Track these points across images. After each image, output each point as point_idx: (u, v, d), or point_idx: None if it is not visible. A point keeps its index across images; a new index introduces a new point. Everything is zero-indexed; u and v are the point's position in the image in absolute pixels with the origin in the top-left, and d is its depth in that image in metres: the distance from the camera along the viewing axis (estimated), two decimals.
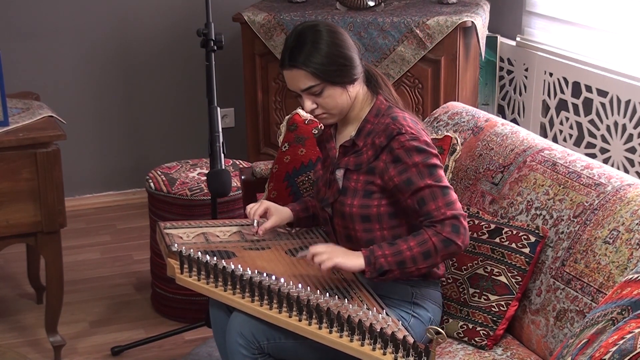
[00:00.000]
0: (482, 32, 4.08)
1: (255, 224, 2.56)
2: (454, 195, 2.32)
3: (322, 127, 2.60)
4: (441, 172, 2.34)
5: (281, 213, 2.59)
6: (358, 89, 2.41)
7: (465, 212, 2.58)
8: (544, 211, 2.47)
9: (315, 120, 2.45)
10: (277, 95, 4.16)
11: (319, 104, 2.38)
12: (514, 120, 4.32)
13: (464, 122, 2.89)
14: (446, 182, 2.33)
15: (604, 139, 3.76)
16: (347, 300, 2.27)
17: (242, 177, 3.26)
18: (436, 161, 2.33)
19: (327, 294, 2.29)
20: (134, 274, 4.03)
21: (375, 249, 2.30)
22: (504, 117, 4.39)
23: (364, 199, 2.38)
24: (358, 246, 2.36)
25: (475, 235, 2.52)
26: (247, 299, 2.27)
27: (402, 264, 2.28)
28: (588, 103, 3.85)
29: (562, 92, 3.98)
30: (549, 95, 4.08)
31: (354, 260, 2.29)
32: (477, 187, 2.71)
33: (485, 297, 2.45)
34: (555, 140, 4.04)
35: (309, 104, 2.38)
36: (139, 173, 4.69)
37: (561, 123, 4.02)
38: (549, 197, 2.48)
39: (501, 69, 4.40)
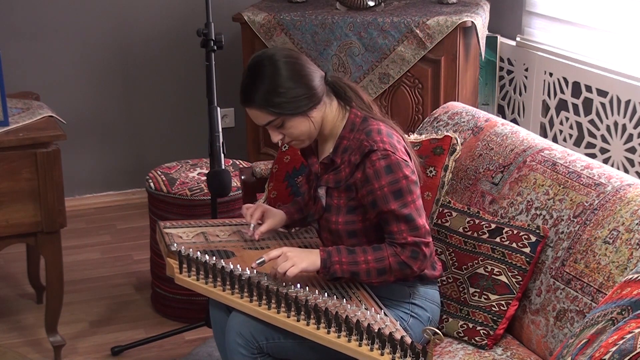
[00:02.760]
0: (482, 32, 4.08)
1: (252, 228, 2.56)
2: (420, 220, 2.30)
3: None
4: (409, 196, 2.29)
5: (275, 217, 2.59)
6: (324, 110, 2.38)
7: (467, 211, 2.58)
8: (544, 211, 2.47)
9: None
10: None
11: (284, 134, 2.38)
12: (514, 120, 4.32)
13: (464, 122, 2.89)
14: (411, 209, 2.28)
15: (604, 139, 3.76)
16: (346, 300, 2.27)
17: (242, 177, 3.26)
18: (404, 184, 2.29)
19: (326, 294, 2.29)
20: (134, 274, 4.02)
21: (333, 253, 2.30)
22: (504, 117, 4.38)
23: (348, 215, 2.38)
24: None
25: (475, 234, 2.52)
26: (245, 299, 2.27)
27: (355, 275, 2.31)
28: (588, 103, 3.84)
29: (562, 92, 3.98)
30: (549, 95, 4.07)
31: (315, 263, 2.30)
32: (477, 187, 2.70)
33: (486, 297, 2.45)
34: (555, 140, 4.03)
35: (274, 135, 2.38)
36: (139, 173, 4.69)
37: (561, 123, 4.02)
38: (549, 197, 2.48)
39: (501, 69, 4.39)
